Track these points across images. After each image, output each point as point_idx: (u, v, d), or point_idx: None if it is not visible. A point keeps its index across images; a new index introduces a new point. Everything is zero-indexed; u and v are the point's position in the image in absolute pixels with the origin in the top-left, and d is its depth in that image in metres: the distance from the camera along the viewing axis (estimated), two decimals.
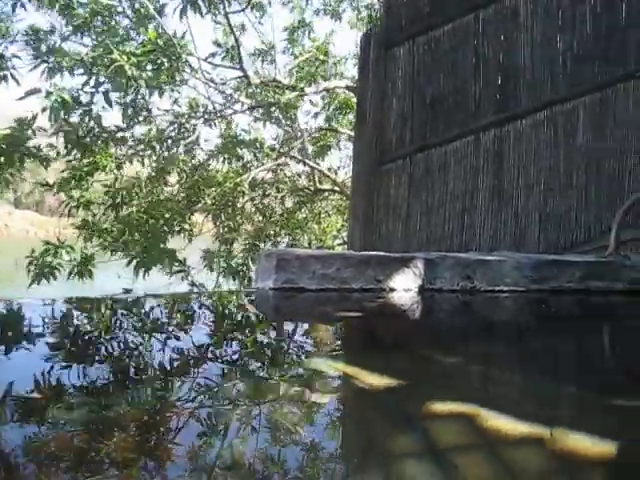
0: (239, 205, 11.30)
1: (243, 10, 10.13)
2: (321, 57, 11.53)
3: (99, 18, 8.52)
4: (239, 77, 10.56)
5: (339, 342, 2.37)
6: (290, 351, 2.10)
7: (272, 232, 11.85)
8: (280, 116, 11.24)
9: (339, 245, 11.82)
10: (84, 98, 7.64)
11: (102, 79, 7.27)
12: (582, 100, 5.54)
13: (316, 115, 12.30)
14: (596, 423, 1.45)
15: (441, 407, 1.48)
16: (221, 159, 10.45)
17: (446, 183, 6.18)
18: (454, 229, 6.12)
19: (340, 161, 13.33)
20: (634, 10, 5.40)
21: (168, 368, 1.74)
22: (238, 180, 10.24)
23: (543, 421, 1.40)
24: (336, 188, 12.13)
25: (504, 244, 5.77)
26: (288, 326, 2.58)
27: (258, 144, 10.43)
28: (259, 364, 1.93)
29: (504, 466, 1.20)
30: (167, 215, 9.39)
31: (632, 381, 1.95)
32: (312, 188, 12.27)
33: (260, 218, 12.01)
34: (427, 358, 2.07)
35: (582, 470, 1.18)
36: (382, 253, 3.23)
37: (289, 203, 12.54)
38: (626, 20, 5.44)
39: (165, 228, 9.37)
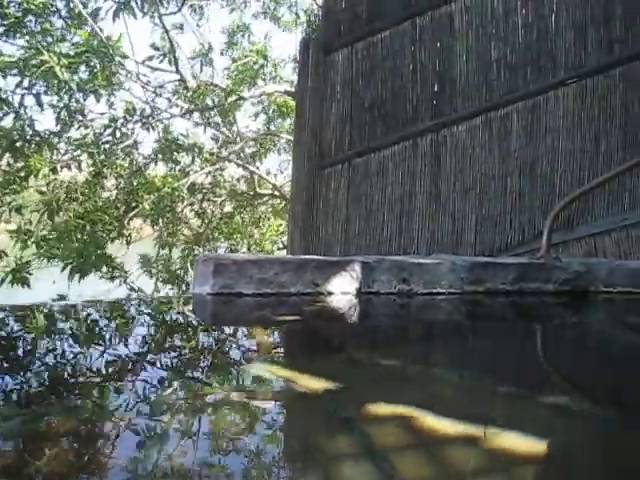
0: (178, 210, 11.17)
1: (177, 12, 10.02)
2: (260, 61, 11.50)
3: (32, 19, 8.28)
4: (177, 81, 10.44)
5: (277, 346, 2.37)
6: (228, 356, 2.08)
7: (211, 237, 11.76)
8: (219, 120, 11.17)
9: (279, 250, 11.81)
10: (15, 100, 7.43)
11: (34, 81, 7.08)
12: (515, 106, 5.68)
13: (255, 119, 12.28)
14: (527, 421, 1.48)
15: (379, 409, 1.49)
16: (159, 163, 10.33)
17: (385, 187, 6.24)
18: (393, 232, 6.19)
19: (280, 165, 13.35)
20: (562, 20, 5.58)
21: (101, 377, 1.71)
22: (176, 185, 10.12)
23: (477, 420, 1.42)
24: (275, 192, 12.12)
25: (442, 247, 5.86)
26: (226, 331, 2.56)
27: (197, 148, 10.33)
28: (196, 370, 1.91)
29: (440, 465, 1.21)
30: (105, 220, 9.21)
31: (561, 379, 2.00)
32: (251, 192, 12.23)
33: (199, 223, 11.90)
34: (365, 361, 2.09)
35: (513, 467, 1.20)
36: (320, 257, 3.24)
37: (228, 208, 12.47)
38: (555, 30, 5.60)
39: (103, 234, 9.19)
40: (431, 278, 3.13)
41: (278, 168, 13.31)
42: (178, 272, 10.16)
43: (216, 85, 10.55)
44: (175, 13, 10.10)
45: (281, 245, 11.87)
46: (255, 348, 2.25)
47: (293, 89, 9.41)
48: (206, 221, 11.77)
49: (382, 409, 1.49)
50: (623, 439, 1.38)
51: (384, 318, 2.87)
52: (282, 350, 2.31)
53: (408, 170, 6.13)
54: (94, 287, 8.68)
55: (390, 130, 6.23)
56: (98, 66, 7.35)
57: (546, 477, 1.20)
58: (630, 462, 1.26)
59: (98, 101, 8.10)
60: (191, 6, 10.71)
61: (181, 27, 11.06)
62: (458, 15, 6.04)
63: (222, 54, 12.05)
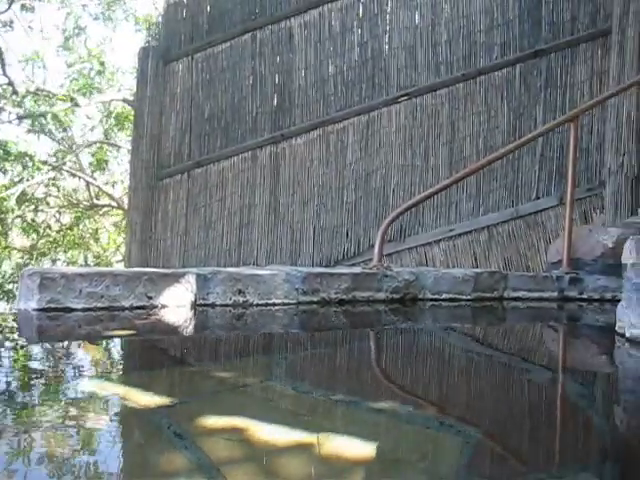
0: (9, 221, 10.52)
1: (7, 10, 9.46)
2: (97, 67, 11.11)
3: None
4: (5, 84, 9.85)
5: (109, 363, 2.28)
6: (54, 375, 1.98)
7: (49, 250, 11.18)
8: (53, 128, 10.65)
9: (118, 262, 11.44)
10: None
11: None
12: (351, 121, 5.88)
13: (93, 128, 11.82)
14: (357, 425, 1.52)
15: (214, 422, 1.47)
16: None
17: (224, 198, 6.24)
18: (232, 244, 6.19)
19: (121, 175, 12.95)
20: (394, 41, 5.85)
21: None
22: (5, 195, 9.53)
23: (311, 428, 1.44)
24: (113, 203, 11.73)
25: (281, 258, 5.94)
26: (51, 349, 2.44)
27: (27, 157, 9.78)
28: (24, 390, 1.80)
29: (274, 475, 1.22)
30: None
31: (391, 384, 2.09)
32: (88, 203, 11.75)
33: (34, 235, 11.27)
34: (200, 374, 2.06)
35: (344, 471, 1.23)
36: (153, 269, 3.17)
37: (66, 219, 11.92)
38: (388, 50, 5.87)
39: None
40: (266, 289, 3.15)
41: (120, 179, 12.90)
42: (9, 287, 9.56)
43: (49, 91, 10.06)
44: (3, 12, 9.53)
45: (121, 257, 11.51)
46: (84, 365, 2.16)
47: (133, 98, 9.18)
48: (41, 233, 11.17)
49: (217, 422, 1.47)
50: (440, 438, 1.46)
51: (220, 330, 2.86)
52: (114, 366, 2.23)
53: (247, 181, 6.17)
54: None
55: (230, 141, 6.25)
56: None
57: (373, 477, 1.24)
58: (445, 459, 1.33)
59: None
60: (23, 6, 10.14)
61: (10, 24, 10.41)
62: (297, 31, 6.17)
63: (58, 55, 11.52)
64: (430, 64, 5.79)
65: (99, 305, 2.82)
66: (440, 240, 5.61)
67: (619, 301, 2.79)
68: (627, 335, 2.61)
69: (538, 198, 5.49)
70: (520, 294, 4.00)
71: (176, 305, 2.96)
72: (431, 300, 3.69)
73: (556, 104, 5.51)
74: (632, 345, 2.52)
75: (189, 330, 2.84)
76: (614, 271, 3.73)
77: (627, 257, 2.73)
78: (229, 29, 6.39)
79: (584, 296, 4.11)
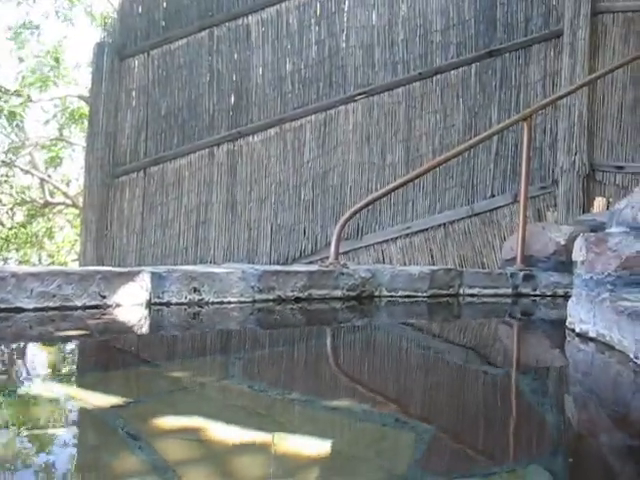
0: None
1: None
2: (52, 62, 10.90)
3: None
4: None
5: (61, 364, 2.25)
6: (6, 377, 1.94)
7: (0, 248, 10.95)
8: (5, 123, 10.43)
9: (73, 261, 11.26)
10: None
11: None
12: (308, 119, 5.88)
13: (47, 124, 11.61)
14: (312, 424, 1.53)
15: (169, 422, 1.46)
16: None
17: (181, 196, 6.19)
18: (189, 242, 6.15)
19: (77, 173, 12.73)
20: (352, 40, 5.88)
21: None
22: None
23: (266, 427, 1.44)
24: (68, 201, 11.54)
25: (238, 256, 5.92)
26: (3, 350, 2.39)
27: None
28: None
29: (229, 476, 1.22)
30: None
31: (347, 381, 2.10)
32: (42, 201, 11.54)
33: None
34: (156, 374, 2.04)
35: (299, 468, 1.23)
36: (107, 268, 3.14)
37: (19, 217, 11.68)
38: (345, 48, 5.89)
39: None
40: (222, 287, 3.14)
41: (76, 176, 12.69)
42: None
43: (2, 86, 9.85)
44: None
45: (76, 256, 11.33)
46: (35, 366, 2.13)
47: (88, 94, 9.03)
48: None
49: (172, 422, 1.46)
50: (395, 434, 1.48)
51: (175, 329, 2.83)
52: (66, 367, 2.20)
53: (204, 179, 6.13)
54: None
55: (187, 139, 6.20)
56: None
57: (328, 474, 1.24)
58: (399, 456, 1.34)
59: None
60: None
61: None
62: (255, 28, 6.15)
63: (10, 53, 11.27)
64: (387, 63, 5.83)
65: (51, 305, 2.77)
66: (397, 238, 5.66)
67: (571, 297, 2.85)
68: (577, 330, 2.66)
69: (493, 196, 5.58)
70: (475, 291, 4.06)
71: (131, 304, 2.92)
72: (387, 297, 3.72)
73: (510, 103, 5.60)
74: (582, 340, 2.58)
75: (144, 329, 2.81)
76: (566, 268, 3.81)
77: (577, 254, 2.79)
78: (186, 26, 6.33)
79: (537, 292, 4.19)
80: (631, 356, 2.09)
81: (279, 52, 6.09)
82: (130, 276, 2.93)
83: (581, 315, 2.64)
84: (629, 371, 2.02)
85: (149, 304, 2.98)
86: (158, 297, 3.01)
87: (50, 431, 1.44)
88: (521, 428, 1.60)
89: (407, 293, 3.77)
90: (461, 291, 4.03)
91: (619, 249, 2.58)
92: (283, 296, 3.34)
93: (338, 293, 3.54)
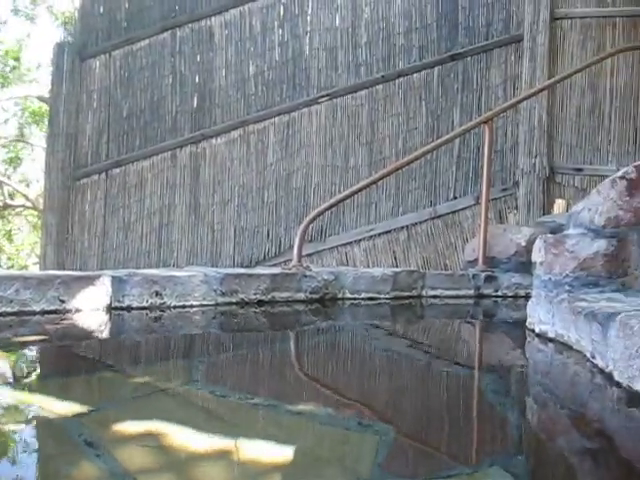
0: None
1: None
2: (11, 62, 10.72)
3: None
4: None
5: (19, 370, 2.21)
6: None
7: None
8: None
9: (34, 264, 11.08)
10: None
11: None
12: (272, 121, 5.88)
13: (6, 122, 11.41)
14: (275, 429, 1.52)
15: (129, 429, 1.44)
16: None
17: (143, 199, 6.14)
18: (152, 245, 6.10)
19: (38, 174, 12.52)
20: (315, 42, 5.89)
21: None
22: None
23: (228, 433, 1.43)
24: (28, 203, 11.35)
25: (202, 258, 5.89)
26: None
27: None
28: None
29: None
30: None
31: (311, 385, 2.10)
32: (1, 203, 11.34)
33: None
34: (117, 380, 2.02)
35: (263, 476, 1.23)
36: (66, 272, 3.09)
37: None
38: (309, 51, 5.90)
39: None
40: (184, 291, 3.12)
41: (34, 178, 12.49)
42: None
43: None
44: None
45: (36, 259, 11.15)
46: None
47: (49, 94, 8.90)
48: None
49: (133, 429, 1.44)
50: (358, 438, 1.48)
51: (136, 334, 2.80)
52: (25, 374, 2.16)
53: (167, 182, 6.09)
54: None
55: (149, 141, 6.15)
56: None
57: (289, 479, 1.24)
58: (362, 459, 1.35)
59: None
60: None
61: None
62: (218, 29, 6.12)
63: None
64: (350, 65, 5.85)
65: (8, 310, 2.73)
66: (360, 240, 5.68)
67: (531, 298, 2.89)
68: (537, 331, 2.70)
69: (455, 198, 5.63)
70: (438, 292, 4.09)
71: (90, 309, 2.89)
72: (350, 299, 3.73)
73: (472, 106, 5.67)
74: (541, 340, 2.62)
75: (105, 334, 2.77)
76: (527, 269, 3.86)
77: (536, 255, 2.83)
78: (148, 26, 6.28)
79: (499, 293, 4.24)
80: (588, 356, 2.13)
81: (242, 54, 6.08)
82: (90, 280, 2.89)
83: (540, 316, 2.68)
84: (586, 371, 2.05)
85: (109, 308, 2.95)
86: (119, 301, 2.97)
87: (6, 440, 1.41)
88: (483, 429, 1.62)
89: (370, 295, 3.78)
90: (424, 293, 4.06)
91: (576, 250, 2.62)
92: (246, 299, 3.33)
93: (301, 296, 3.54)
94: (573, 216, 2.86)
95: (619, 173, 2.63)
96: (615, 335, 1.87)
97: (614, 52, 5.31)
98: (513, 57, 5.61)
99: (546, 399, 1.90)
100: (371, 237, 5.67)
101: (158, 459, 1.29)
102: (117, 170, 6.21)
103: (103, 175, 6.24)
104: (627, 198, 2.55)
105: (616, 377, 1.85)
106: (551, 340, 2.54)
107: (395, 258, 5.62)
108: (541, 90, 5.18)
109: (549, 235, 2.87)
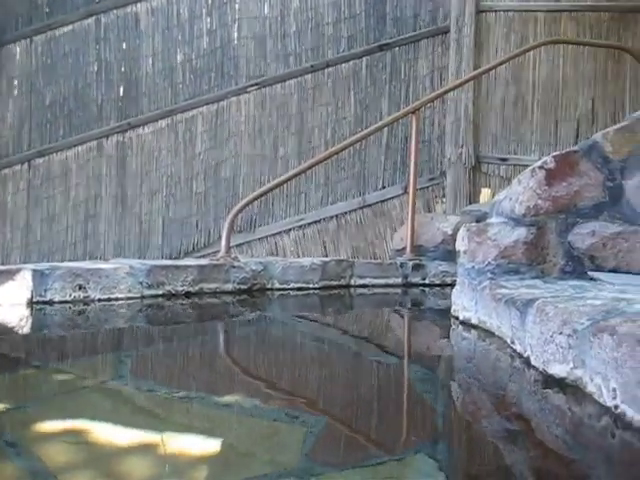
0: None
1: None
2: None
3: None
4: None
5: None
6: None
7: None
8: None
9: None
10: None
11: None
12: (200, 110, 5.81)
13: None
14: (202, 422, 1.51)
15: (51, 427, 1.41)
16: None
17: (68, 190, 5.99)
18: (78, 237, 5.96)
19: None
20: (244, 31, 5.85)
21: None
22: None
23: (155, 427, 1.42)
24: None
25: (129, 250, 5.79)
26: None
27: None
28: None
29: (117, 478, 1.19)
30: None
31: (239, 377, 2.09)
32: None
33: None
34: (36, 376, 1.97)
35: (188, 468, 1.22)
36: None
37: None
38: (237, 39, 5.85)
39: None
40: (109, 283, 3.06)
41: None
42: None
43: None
44: None
45: None
46: None
47: None
48: None
49: (56, 426, 1.41)
50: (286, 429, 1.49)
51: (59, 329, 2.73)
52: None
53: (93, 172, 5.95)
54: None
55: (74, 130, 5.99)
56: None
57: (218, 472, 1.24)
58: (289, 450, 1.36)
59: None
60: None
61: None
62: (144, 16, 6.01)
63: None
64: (279, 55, 5.83)
65: None
66: (290, 230, 5.69)
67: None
68: (461, 318, 2.77)
69: (384, 187, 5.70)
70: (366, 281, 4.14)
71: (10, 303, 2.81)
72: (279, 290, 3.74)
73: (400, 97, 5.73)
74: (465, 327, 2.68)
75: (25, 330, 2.70)
76: (454, 257, 3.92)
77: (460, 244, 2.89)
78: (71, 11, 6.10)
79: (427, 281, 4.32)
80: (508, 342, 2.20)
81: (169, 42, 5.98)
82: (10, 274, 2.80)
83: (464, 303, 2.75)
84: (506, 356, 2.12)
85: (31, 303, 2.87)
86: (40, 295, 2.90)
87: None
88: (410, 416, 1.65)
89: (299, 285, 3.80)
90: (352, 282, 4.10)
91: (498, 239, 2.69)
92: (173, 291, 3.30)
93: (229, 287, 3.53)
94: (496, 205, 2.93)
95: (538, 163, 2.71)
96: (532, 321, 1.93)
97: (536, 45, 5.46)
98: (440, 48, 5.70)
99: (470, 384, 1.95)
100: (301, 227, 5.69)
101: (82, 456, 1.27)
102: (40, 160, 6.03)
103: (25, 165, 6.05)
104: (546, 187, 2.64)
105: (533, 361, 1.92)
106: (474, 327, 2.61)
107: (325, 248, 5.65)
108: (467, 81, 5.29)
109: (472, 224, 2.94)
